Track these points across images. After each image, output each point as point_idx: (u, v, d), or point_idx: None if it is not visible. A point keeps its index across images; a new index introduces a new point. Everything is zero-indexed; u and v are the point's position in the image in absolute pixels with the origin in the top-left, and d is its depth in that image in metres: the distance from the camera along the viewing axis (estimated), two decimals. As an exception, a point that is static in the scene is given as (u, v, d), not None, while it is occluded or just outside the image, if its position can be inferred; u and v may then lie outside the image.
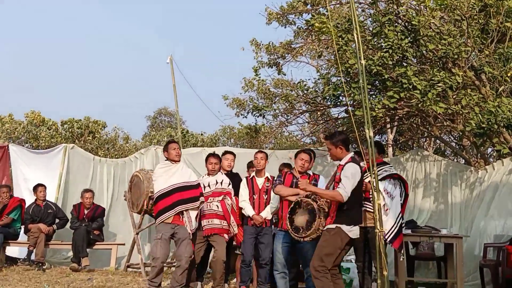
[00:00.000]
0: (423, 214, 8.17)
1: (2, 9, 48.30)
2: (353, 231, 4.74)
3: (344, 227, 4.68)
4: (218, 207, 6.20)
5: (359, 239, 5.78)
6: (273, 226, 6.17)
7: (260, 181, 6.28)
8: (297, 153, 5.90)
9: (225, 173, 6.53)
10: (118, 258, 8.48)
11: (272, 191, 6.05)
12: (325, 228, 4.77)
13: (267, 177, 6.30)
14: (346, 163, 4.80)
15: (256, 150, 6.67)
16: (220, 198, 6.24)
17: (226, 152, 6.87)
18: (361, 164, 5.48)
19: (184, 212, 5.92)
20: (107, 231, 9.00)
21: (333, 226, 4.71)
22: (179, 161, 6.17)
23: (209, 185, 6.31)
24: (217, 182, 6.32)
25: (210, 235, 6.19)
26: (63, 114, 42.57)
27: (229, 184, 6.37)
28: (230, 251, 6.81)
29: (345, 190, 4.63)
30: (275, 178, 5.96)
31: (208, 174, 6.45)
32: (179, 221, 5.91)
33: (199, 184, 6.17)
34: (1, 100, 38.88)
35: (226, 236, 6.21)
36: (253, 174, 6.39)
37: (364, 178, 5.75)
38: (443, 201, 8.11)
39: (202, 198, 6.07)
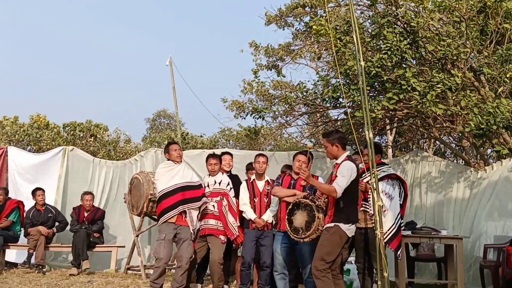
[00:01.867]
0: (423, 215, 8.17)
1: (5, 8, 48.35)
2: (351, 230, 4.80)
3: (343, 226, 4.73)
4: (214, 207, 6.23)
5: (360, 240, 5.79)
6: (272, 228, 6.18)
7: (260, 185, 6.30)
8: (294, 155, 5.93)
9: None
10: (118, 261, 8.47)
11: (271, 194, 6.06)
12: (324, 227, 4.81)
13: (267, 180, 6.32)
14: (342, 161, 4.84)
15: (257, 153, 6.68)
16: (218, 198, 6.27)
17: (223, 153, 6.92)
18: (360, 165, 5.50)
19: (186, 212, 5.89)
20: (107, 233, 8.99)
21: (332, 224, 4.75)
22: (180, 162, 6.15)
23: (208, 185, 6.34)
24: (215, 182, 6.34)
25: (206, 235, 6.20)
26: (66, 117, 42.66)
27: (228, 184, 6.37)
28: (231, 253, 6.81)
29: (339, 186, 4.68)
30: (274, 180, 5.98)
31: (209, 175, 6.48)
32: (182, 221, 5.87)
33: (201, 184, 6.17)
34: (7, 103, 38.86)
35: (222, 237, 6.20)
36: (253, 177, 6.39)
37: (362, 178, 5.78)
38: (443, 202, 8.10)
39: (204, 198, 6.05)
